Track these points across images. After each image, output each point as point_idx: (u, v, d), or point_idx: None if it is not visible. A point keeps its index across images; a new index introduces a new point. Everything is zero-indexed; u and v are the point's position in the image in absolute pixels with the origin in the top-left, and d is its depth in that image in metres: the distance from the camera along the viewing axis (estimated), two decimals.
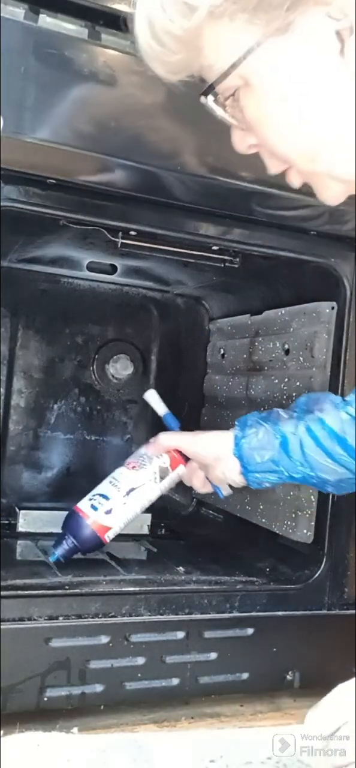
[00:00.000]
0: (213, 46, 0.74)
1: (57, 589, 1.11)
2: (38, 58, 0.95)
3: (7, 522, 1.46)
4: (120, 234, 1.17)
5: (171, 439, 1.19)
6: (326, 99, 0.73)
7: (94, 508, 1.16)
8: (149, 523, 1.50)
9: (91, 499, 1.18)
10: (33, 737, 1.03)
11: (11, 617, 1.04)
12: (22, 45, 0.95)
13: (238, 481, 1.12)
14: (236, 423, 1.13)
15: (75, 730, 1.07)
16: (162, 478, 1.19)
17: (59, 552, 1.17)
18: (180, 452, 1.19)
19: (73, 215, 1.08)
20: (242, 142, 0.82)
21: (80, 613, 1.09)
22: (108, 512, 1.16)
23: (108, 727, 1.10)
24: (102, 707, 1.11)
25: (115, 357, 1.74)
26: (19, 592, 1.07)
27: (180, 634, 1.15)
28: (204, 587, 1.21)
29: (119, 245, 1.18)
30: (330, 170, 0.78)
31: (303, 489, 1.28)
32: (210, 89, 0.77)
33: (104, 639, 1.10)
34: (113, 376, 1.74)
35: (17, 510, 1.44)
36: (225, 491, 1.17)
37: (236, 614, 1.20)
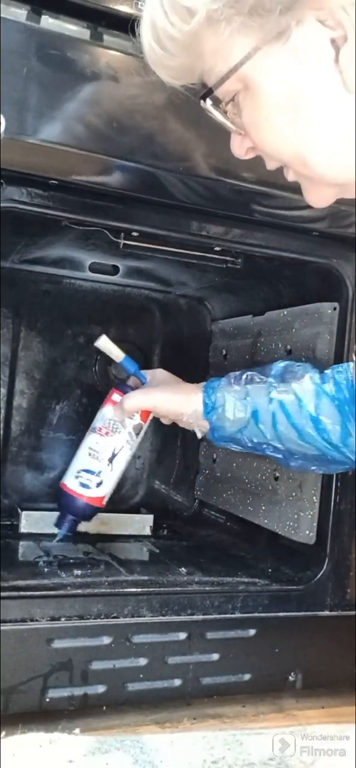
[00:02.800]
0: (212, 51, 0.75)
1: (59, 589, 1.11)
2: (40, 59, 0.95)
3: (9, 523, 1.46)
4: (122, 235, 1.17)
5: (138, 402, 1.19)
6: (319, 105, 0.74)
7: (84, 486, 1.20)
8: (151, 524, 1.50)
9: (77, 477, 1.21)
10: (35, 738, 1.03)
11: (13, 618, 1.04)
12: (24, 46, 0.95)
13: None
14: (204, 389, 1.13)
15: (77, 730, 1.07)
16: (137, 434, 1.22)
17: (64, 530, 1.22)
18: None
19: (75, 216, 1.08)
20: (241, 147, 0.83)
21: (82, 614, 1.09)
22: (99, 485, 1.20)
23: (110, 728, 1.10)
24: (104, 708, 1.11)
25: None
26: (21, 593, 1.07)
27: (183, 635, 1.15)
28: (207, 588, 1.21)
29: (121, 246, 1.18)
30: (321, 174, 0.79)
31: (306, 490, 1.28)
32: (209, 93, 0.78)
33: (106, 640, 1.10)
34: (115, 377, 1.73)
35: (19, 511, 1.45)
36: (200, 434, 1.18)
37: (238, 615, 1.20)
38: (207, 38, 0.74)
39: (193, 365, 1.79)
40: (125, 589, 1.16)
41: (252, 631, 1.21)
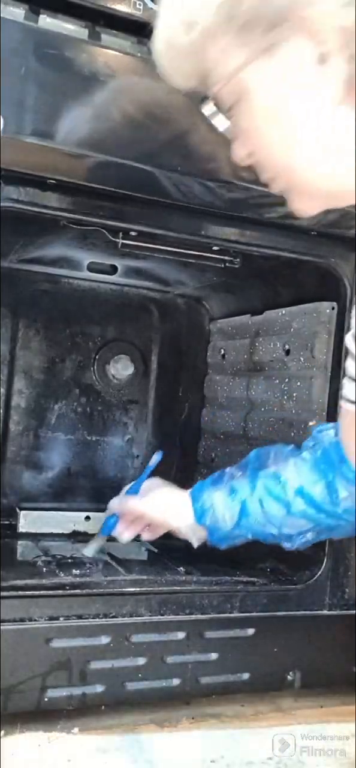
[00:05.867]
0: (212, 60, 0.79)
1: (58, 589, 1.11)
2: (38, 59, 0.95)
3: (7, 522, 1.46)
4: (120, 234, 1.17)
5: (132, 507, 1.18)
6: (305, 117, 0.78)
7: None
8: None
9: None
10: (34, 737, 1.03)
11: (12, 618, 1.04)
12: (23, 45, 0.95)
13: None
14: (192, 497, 1.13)
15: (76, 730, 1.07)
16: None
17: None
18: None
19: (74, 215, 1.08)
20: (239, 154, 0.86)
21: (81, 614, 1.09)
22: None
23: (109, 728, 1.10)
24: (103, 707, 1.11)
25: (115, 357, 1.74)
26: (20, 593, 1.07)
27: (181, 635, 1.15)
28: (205, 588, 1.21)
29: (120, 246, 1.18)
30: (308, 184, 0.82)
31: None
32: (206, 100, 0.82)
33: (105, 639, 1.10)
34: (114, 376, 1.73)
35: (18, 510, 1.45)
36: (197, 543, 1.18)
37: (237, 614, 1.20)
38: (208, 49, 0.78)
39: (191, 364, 1.80)
40: (124, 589, 1.16)
41: (250, 631, 1.21)
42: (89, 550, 1.25)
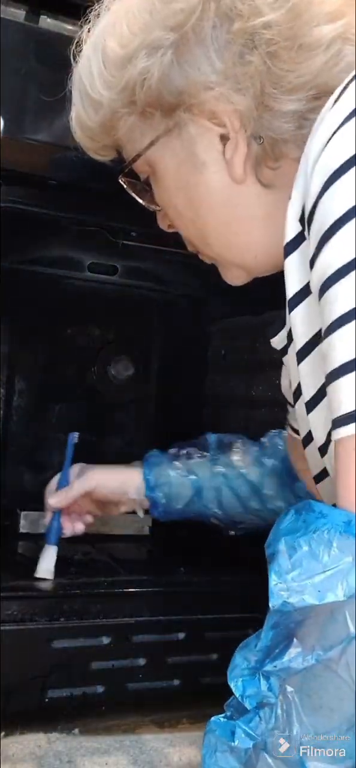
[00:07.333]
0: (124, 136, 0.82)
1: (58, 590, 1.11)
2: (39, 59, 0.95)
3: (8, 523, 1.46)
4: (121, 235, 1.17)
5: (79, 488, 1.17)
6: (210, 195, 0.79)
7: None
8: (150, 524, 1.50)
9: None
10: (34, 738, 1.03)
11: (12, 618, 1.04)
12: (23, 46, 0.95)
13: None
14: (145, 465, 1.14)
15: (76, 731, 1.07)
16: None
17: None
18: None
19: (74, 216, 1.08)
20: (161, 222, 0.89)
21: (81, 614, 1.09)
22: None
23: (109, 728, 1.09)
24: (103, 708, 1.11)
25: (116, 358, 1.74)
26: (21, 593, 1.07)
27: (182, 635, 1.15)
28: (206, 588, 1.21)
29: (120, 246, 1.18)
30: (220, 258, 0.86)
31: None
32: (122, 172, 0.85)
33: (105, 640, 1.10)
34: (114, 377, 1.73)
35: (18, 511, 1.44)
36: (142, 513, 1.18)
37: (237, 615, 1.20)
38: (117, 127, 0.81)
39: (192, 365, 1.80)
40: (124, 589, 1.16)
41: (251, 631, 1.21)
42: (44, 571, 1.13)
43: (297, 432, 1.08)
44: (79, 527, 1.18)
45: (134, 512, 1.23)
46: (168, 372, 1.81)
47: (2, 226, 1.04)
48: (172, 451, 1.17)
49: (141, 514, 1.15)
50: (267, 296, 1.50)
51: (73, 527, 1.18)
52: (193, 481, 1.11)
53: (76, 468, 1.21)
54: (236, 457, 1.10)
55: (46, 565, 1.13)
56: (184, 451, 1.16)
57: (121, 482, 1.16)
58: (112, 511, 1.22)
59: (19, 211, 1.03)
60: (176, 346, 1.80)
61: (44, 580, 1.13)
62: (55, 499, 1.16)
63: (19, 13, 0.97)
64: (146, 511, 1.20)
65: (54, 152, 0.94)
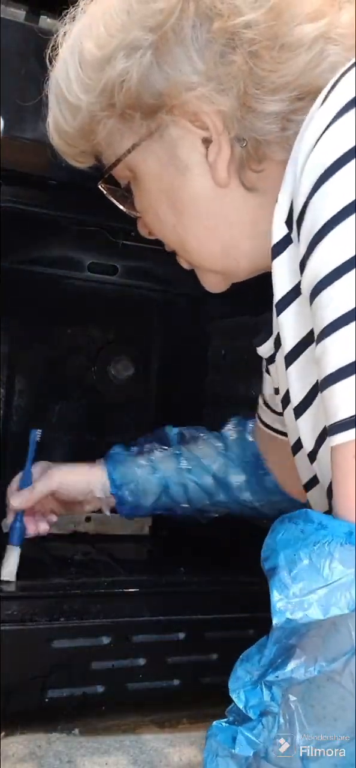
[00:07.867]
0: (103, 141, 0.81)
1: (58, 590, 1.11)
2: (39, 59, 0.95)
3: None
4: (121, 235, 1.17)
5: (42, 488, 1.14)
6: (191, 198, 0.79)
7: None
8: (150, 524, 1.50)
9: None
10: (34, 738, 1.03)
11: (12, 618, 1.04)
12: (23, 46, 0.95)
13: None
14: (108, 464, 1.14)
15: (76, 731, 1.07)
16: None
17: None
18: None
19: (74, 216, 1.08)
20: (142, 228, 0.89)
21: (81, 614, 1.09)
22: None
23: (109, 728, 1.09)
24: (103, 708, 1.11)
25: (116, 358, 1.74)
26: (21, 593, 1.07)
27: (182, 635, 1.15)
28: (206, 588, 1.21)
29: (120, 246, 1.18)
30: (198, 262, 0.85)
31: None
32: (102, 178, 0.84)
33: (105, 640, 1.10)
34: (114, 377, 1.73)
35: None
36: (108, 510, 1.17)
37: (237, 615, 1.20)
38: (96, 131, 0.79)
39: (192, 364, 1.79)
40: (124, 589, 1.16)
41: (251, 631, 1.21)
42: (7, 573, 1.10)
43: (266, 425, 1.08)
44: (44, 527, 1.15)
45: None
46: (168, 372, 1.81)
47: (2, 226, 1.04)
48: (135, 447, 1.16)
49: (107, 512, 1.14)
50: (268, 296, 1.51)
51: (37, 527, 1.15)
52: (159, 478, 1.11)
53: (38, 466, 1.17)
54: (200, 451, 1.10)
55: (9, 568, 1.10)
56: (147, 446, 1.15)
57: (86, 482, 1.14)
58: (77, 510, 1.20)
59: (19, 211, 1.03)
60: (176, 346, 1.80)
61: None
62: (17, 500, 1.12)
63: (19, 13, 0.97)
64: (113, 510, 1.19)
65: (54, 152, 0.94)
